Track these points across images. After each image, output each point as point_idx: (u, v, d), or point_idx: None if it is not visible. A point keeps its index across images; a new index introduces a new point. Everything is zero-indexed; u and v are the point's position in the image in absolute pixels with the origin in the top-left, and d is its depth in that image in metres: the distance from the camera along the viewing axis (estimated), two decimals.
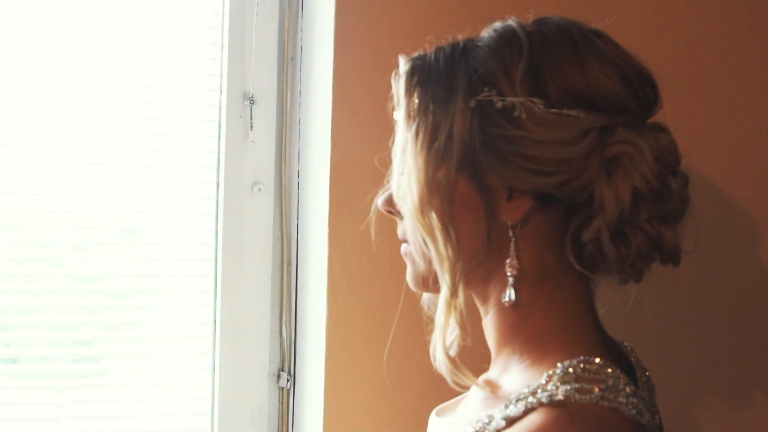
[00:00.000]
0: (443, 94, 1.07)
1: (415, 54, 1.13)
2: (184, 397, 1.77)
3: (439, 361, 1.09)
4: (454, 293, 1.07)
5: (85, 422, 1.72)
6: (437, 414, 1.26)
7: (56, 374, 1.72)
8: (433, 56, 1.11)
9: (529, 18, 1.17)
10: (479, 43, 1.11)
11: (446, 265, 1.06)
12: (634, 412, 1.02)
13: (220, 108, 1.74)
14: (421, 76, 1.10)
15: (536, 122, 1.05)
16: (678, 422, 1.68)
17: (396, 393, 1.58)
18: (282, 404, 1.75)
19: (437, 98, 1.07)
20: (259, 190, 1.74)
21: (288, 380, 1.74)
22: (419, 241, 1.09)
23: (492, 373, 1.14)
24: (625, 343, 1.20)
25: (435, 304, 1.12)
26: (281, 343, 1.76)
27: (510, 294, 1.08)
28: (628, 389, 1.03)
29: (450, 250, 1.06)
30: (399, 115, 1.11)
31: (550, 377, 1.02)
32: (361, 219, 1.57)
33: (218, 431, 1.73)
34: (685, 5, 1.70)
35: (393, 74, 1.13)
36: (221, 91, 1.74)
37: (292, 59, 1.76)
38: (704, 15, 1.71)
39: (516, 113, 1.05)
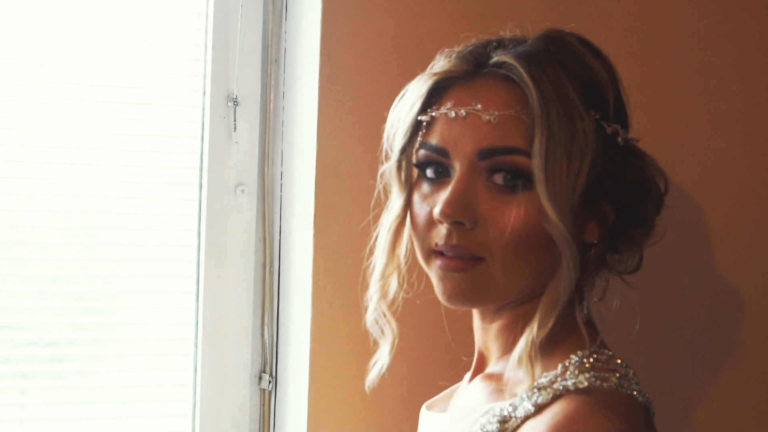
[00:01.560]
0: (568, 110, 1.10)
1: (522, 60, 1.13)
2: (166, 398, 1.76)
3: (524, 354, 1.10)
4: (559, 307, 1.10)
5: (52, 423, 1.71)
6: (427, 408, 1.29)
7: (22, 375, 1.71)
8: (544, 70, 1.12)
9: (515, 23, 1.20)
10: (571, 55, 1.14)
11: (572, 282, 1.10)
12: (645, 400, 1.10)
13: (203, 109, 1.73)
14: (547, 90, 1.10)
15: (631, 151, 1.15)
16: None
17: (379, 395, 1.58)
18: (263, 406, 1.75)
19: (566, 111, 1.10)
20: (242, 191, 1.74)
21: (270, 382, 1.74)
22: (528, 253, 1.10)
23: (495, 368, 1.19)
24: None
25: (381, 323, 1.23)
26: (263, 345, 1.75)
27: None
28: (636, 378, 1.11)
29: (577, 267, 1.10)
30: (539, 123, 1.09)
31: (566, 368, 1.09)
32: (345, 221, 1.57)
33: None
34: (666, 9, 1.72)
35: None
36: (204, 93, 1.73)
37: (276, 61, 1.76)
38: (684, 19, 1.73)
39: (618, 139, 1.14)
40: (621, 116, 1.16)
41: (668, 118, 1.71)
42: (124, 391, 1.74)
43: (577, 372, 1.08)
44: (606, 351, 1.13)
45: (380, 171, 1.26)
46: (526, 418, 1.06)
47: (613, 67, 1.18)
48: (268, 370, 1.75)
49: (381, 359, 1.28)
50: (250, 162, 1.75)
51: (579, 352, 1.11)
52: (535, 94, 1.08)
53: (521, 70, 1.10)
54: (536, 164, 1.07)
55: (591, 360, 1.10)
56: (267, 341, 1.75)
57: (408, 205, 1.19)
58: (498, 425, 1.08)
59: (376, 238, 1.25)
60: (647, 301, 1.32)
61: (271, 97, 1.76)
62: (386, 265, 1.24)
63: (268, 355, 1.75)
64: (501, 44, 1.17)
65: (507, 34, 1.20)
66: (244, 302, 1.75)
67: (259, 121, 1.76)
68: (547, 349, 1.12)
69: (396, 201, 1.21)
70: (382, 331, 1.27)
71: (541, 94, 1.08)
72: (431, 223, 1.14)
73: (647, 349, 1.62)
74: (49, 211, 1.71)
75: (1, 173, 1.66)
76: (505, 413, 1.08)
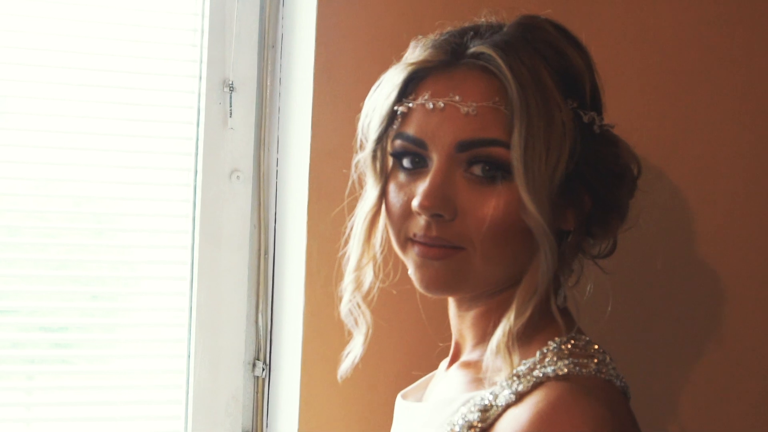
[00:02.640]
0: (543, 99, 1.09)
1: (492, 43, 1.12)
2: (159, 384, 1.76)
3: (502, 343, 1.10)
4: (537, 296, 1.11)
5: (56, 408, 1.71)
6: (403, 397, 1.29)
7: (27, 360, 1.71)
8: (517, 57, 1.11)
9: (491, 9, 1.20)
10: (547, 43, 1.13)
11: (550, 272, 1.09)
12: (622, 384, 1.12)
13: (199, 95, 1.73)
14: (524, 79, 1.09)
15: (607, 138, 1.15)
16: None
17: (372, 382, 1.58)
18: (257, 393, 1.75)
19: (542, 102, 1.09)
20: (238, 177, 1.73)
21: (263, 369, 1.73)
22: (507, 243, 1.10)
23: (471, 356, 1.20)
24: None
25: (356, 314, 1.24)
26: (257, 332, 1.75)
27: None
28: (612, 363, 1.12)
29: (554, 257, 1.09)
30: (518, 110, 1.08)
31: (544, 354, 1.10)
32: (343, 208, 1.56)
33: (193, 419, 1.72)
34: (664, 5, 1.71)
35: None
36: (201, 78, 1.72)
37: (273, 47, 1.75)
38: (677, 13, 1.71)
39: (594, 127, 1.14)
40: (596, 103, 1.16)
41: (661, 107, 1.69)
42: (117, 377, 1.74)
43: (555, 359, 1.09)
44: (583, 337, 1.13)
45: (354, 161, 1.26)
46: (507, 406, 1.07)
47: (588, 53, 1.17)
48: (262, 357, 1.74)
49: (354, 350, 1.29)
50: (245, 148, 1.74)
51: (557, 339, 1.12)
52: (513, 86, 1.08)
53: (499, 61, 1.09)
54: (515, 156, 1.07)
55: (569, 346, 1.11)
56: (261, 328, 1.74)
57: (383, 194, 1.19)
58: (479, 414, 1.08)
59: (351, 228, 1.24)
60: (620, 286, 1.32)
61: (268, 83, 1.74)
62: (361, 255, 1.23)
63: (262, 343, 1.74)
64: (477, 33, 1.16)
65: (483, 20, 1.19)
66: (238, 289, 1.74)
67: (256, 107, 1.75)
68: (525, 336, 1.12)
69: (371, 191, 1.20)
70: (356, 322, 1.27)
71: (519, 85, 1.08)
72: (408, 213, 1.13)
73: (622, 332, 1.61)
74: (56, 196, 1.71)
75: (11, 159, 1.66)
76: (486, 402, 1.09)
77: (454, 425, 1.09)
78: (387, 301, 1.48)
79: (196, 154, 1.73)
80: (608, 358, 1.12)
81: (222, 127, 1.72)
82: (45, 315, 1.71)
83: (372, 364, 1.56)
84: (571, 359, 1.09)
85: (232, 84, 1.72)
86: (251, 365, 1.75)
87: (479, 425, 1.08)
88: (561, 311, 1.14)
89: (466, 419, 1.08)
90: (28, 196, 1.70)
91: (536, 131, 1.07)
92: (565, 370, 1.07)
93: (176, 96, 1.73)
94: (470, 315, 1.20)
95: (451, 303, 1.24)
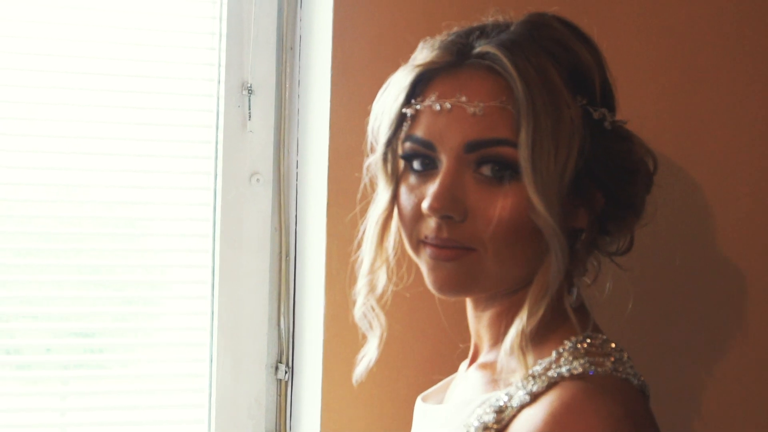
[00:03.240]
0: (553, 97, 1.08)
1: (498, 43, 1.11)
2: (182, 388, 1.76)
3: (515, 344, 1.09)
4: (549, 296, 1.09)
5: (86, 413, 1.72)
6: (423, 400, 1.28)
7: (59, 365, 1.72)
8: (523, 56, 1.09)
9: (498, 8, 1.19)
10: (555, 40, 1.12)
11: (561, 271, 1.08)
12: (639, 383, 1.10)
13: (218, 98, 1.73)
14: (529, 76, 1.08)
15: (618, 134, 1.13)
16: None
17: (393, 384, 1.57)
18: (280, 396, 1.74)
19: (552, 99, 1.07)
20: (257, 180, 1.73)
21: (286, 372, 1.73)
22: (518, 243, 1.09)
23: (489, 357, 1.19)
24: None
25: (370, 317, 1.23)
26: (279, 335, 1.75)
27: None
28: (630, 362, 1.10)
29: (565, 257, 1.08)
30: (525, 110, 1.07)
31: (560, 354, 1.09)
32: (362, 210, 1.55)
33: (215, 423, 1.72)
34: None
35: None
36: (219, 81, 1.72)
37: (291, 49, 1.75)
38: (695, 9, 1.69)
39: (605, 123, 1.12)
40: (607, 99, 1.14)
41: (679, 103, 1.67)
42: (139, 381, 1.74)
43: (571, 358, 1.07)
44: (600, 335, 1.12)
45: (365, 164, 1.25)
46: (522, 407, 1.06)
47: (597, 49, 1.15)
48: (284, 360, 1.74)
49: (369, 353, 1.27)
50: (265, 151, 1.74)
51: (572, 338, 1.10)
52: (519, 85, 1.06)
53: (505, 60, 1.08)
54: (523, 156, 1.06)
55: (585, 345, 1.09)
56: (283, 331, 1.74)
57: (395, 197, 1.18)
58: (494, 415, 1.07)
59: (363, 232, 1.24)
60: (640, 283, 1.30)
61: (287, 86, 1.74)
62: (374, 258, 1.23)
63: (284, 345, 1.74)
64: (484, 32, 1.14)
65: (489, 20, 1.18)
66: (260, 292, 1.74)
67: (275, 110, 1.74)
68: (540, 336, 1.11)
69: (383, 194, 1.19)
70: (371, 325, 1.26)
71: (525, 84, 1.06)
72: (419, 215, 1.12)
73: (643, 330, 1.60)
74: (87, 202, 1.72)
75: (39, 164, 1.67)
76: (501, 403, 1.08)
77: (469, 427, 1.09)
78: (407, 303, 1.48)
79: (216, 158, 1.73)
80: (626, 357, 1.10)
81: (241, 130, 1.72)
82: (70, 320, 1.71)
83: (393, 366, 1.56)
84: (587, 358, 1.07)
85: (250, 87, 1.72)
86: (274, 368, 1.75)
87: (494, 426, 1.07)
88: (577, 310, 1.13)
89: (482, 420, 1.08)
90: (52, 201, 1.71)
91: (544, 130, 1.05)
92: (581, 369, 1.06)
93: (195, 100, 1.73)
94: (486, 315, 1.19)
95: (469, 304, 1.23)
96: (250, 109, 1.72)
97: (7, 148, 1.66)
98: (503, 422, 1.07)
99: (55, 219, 1.71)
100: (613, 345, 1.11)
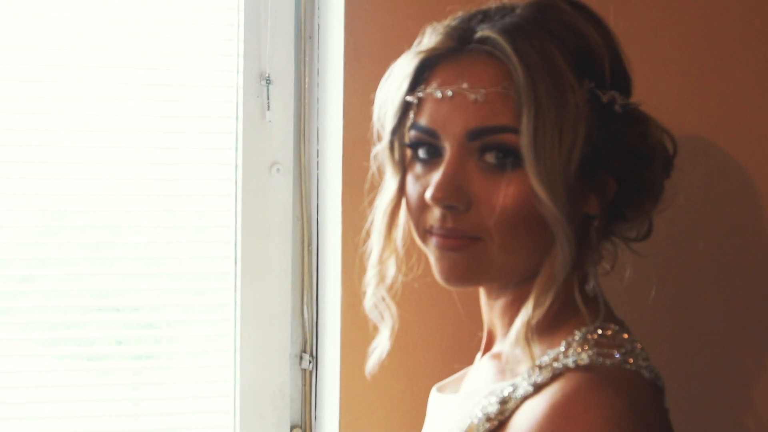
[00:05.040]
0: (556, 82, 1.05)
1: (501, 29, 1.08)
2: (206, 379, 1.76)
3: (520, 335, 1.06)
4: (556, 286, 1.06)
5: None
6: (438, 390, 1.26)
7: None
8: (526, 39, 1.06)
9: None
10: (562, 23, 1.08)
11: (568, 261, 1.05)
12: (652, 375, 1.06)
13: (237, 88, 1.72)
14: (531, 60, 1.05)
15: (631, 117, 1.10)
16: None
17: (412, 374, 1.56)
18: (304, 386, 1.74)
19: (555, 85, 1.04)
20: (278, 170, 1.73)
21: (310, 362, 1.72)
22: (524, 232, 1.06)
23: (500, 347, 1.17)
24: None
25: (381, 308, 1.21)
26: (303, 325, 1.74)
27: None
28: (644, 353, 1.07)
29: (571, 246, 1.05)
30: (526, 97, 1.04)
31: (569, 344, 1.06)
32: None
33: (240, 414, 1.72)
34: None
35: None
36: (238, 72, 1.72)
37: (310, 38, 1.74)
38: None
39: (615, 107, 1.08)
40: (619, 81, 1.10)
41: (702, 86, 1.63)
42: (165, 373, 1.75)
43: (579, 349, 1.04)
44: (612, 326, 1.08)
45: (372, 152, 1.23)
46: (525, 398, 1.03)
47: (608, 30, 1.12)
48: (308, 350, 1.73)
49: (381, 345, 1.25)
50: (285, 140, 1.73)
51: (583, 328, 1.07)
52: (520, 70, 1.03)
53: (505, 45, 1.05)
54: (524, 143, 1.03)
55: (595, 336, 1.06)
56: (307, 321, 1.74)
57: (403, 186, 1.15)
58: (498, 406, 1.05)
59: (371, 222, 1.22)
60: (662, 269, 1.27)
61: (306, 75, 1.73)
62: (383, 248, 1.20)
63: (308, 335, 1.74)
64: (487, 16, 1.11)
65: (493, 4, 1.15)
66: (282, 282, 1.74)
67: (294, 99, 1.74)
68: (551, 326, 1.08)
69: (390, 183, 1.17)
70: (382, 316, 1.24)
71: (527, 68, 1.03)
72: (425, 204, 1.10)
73: (664, 319, 1.56)
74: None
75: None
76: (505, 394, 1.05)
77: (473, 417, 1.07)
78: (426, 293, 1.46)
79: (236, 148, 1.73)
80: (639, 348, 1.07)
81: (260, 120, 1.72)
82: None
83: (412, 356, 1.55)
84: (595, 349, 1.04)
85: (268, 77, 1.71)
86: (298, 358, 1.75)
87: (498, 417, 1.05)
88: (590, 300, 1.10)
89: (485, 411, 1.06)
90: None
91: (546, 116, 1.02)
92: (587, 360, 1.03)
93: (214, 91, 1.73)
94: (499, 304, 1.17)
95: (482, 292, 1.20)
96: (268, 99, 1.72)
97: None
98: (506, 413, 1.04)
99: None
100: (625, 336, 1.07)
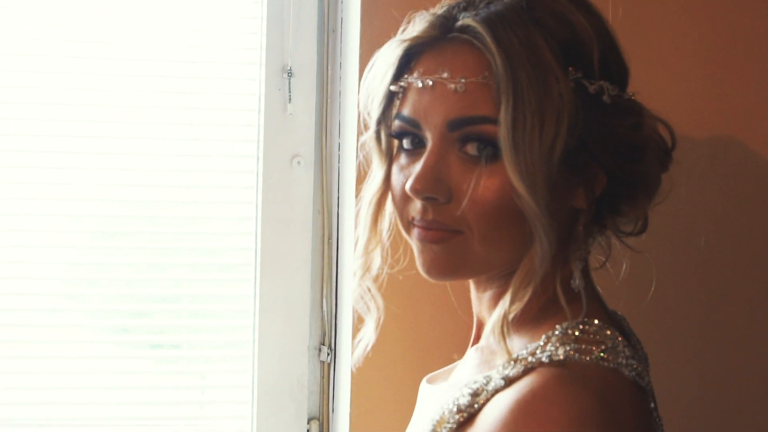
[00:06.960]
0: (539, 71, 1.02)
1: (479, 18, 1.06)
2: (225, 370, 1.78)
3: (496, 328, 1.05)
4: (535, 281, 1.04)
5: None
6: (428, 382, 1.26)
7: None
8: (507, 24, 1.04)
9: None
10: (548, 10, 1.06)
11: (547, 256, 1.03)
12: (633, 373, 1.03)
13: (259, 81, 1.73)
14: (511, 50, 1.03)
15: (622, 109, 1.06)
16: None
17: (423, 365, 1.54)
18: (323, 378, 1.75)
19: (537, 74, 1.02)
20: (299, 163, 1.73)
21: (329, 354, 1.73)
22: (505, 225, 1.04)
23: (486, 341, 1.14)
24: (618, 312, 1.17)
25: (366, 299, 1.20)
26: (322, 317, 1.75)
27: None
28: (627, 351, 1.04)
29: (551, 240, 1.03)
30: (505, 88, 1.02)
31: (548, 338, 1.03)
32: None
33: (258, 405, 1.73)
34: None
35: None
36: (261, 65, 1.73)
37: (333, 31, 1.74)
38: None
39: (604, 97, 1.05)
40: (610, 72, 1.07)
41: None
42: (183, 362, 1.77)
43: (558, 344, 1.02)
44: (596, 321, 1.05)
45: (359, 142, 1.22)
46: (496, 391, 1.01)
47: (600, 17, 1.09)
48: (327, 342, 1.74)
49: (366, 337, 1.24)
50: (306, 133, 1.74)
51: (564, 323, 1.04)
52: (499, 59, 1.01)
53: (484, 34, 1.03)
54: (502, 134, 1.00)
55: (576, 332, 1.03)
56: (326, 313, 1.74)
57: (389, 176, 1.14)
58: (469, 398, 1.03)
59: (358, 212, 1.21)
60: (662, 264, 1.24)
61: (329, 68, 1.74)
62: (369, 239, 1.19)
63: (327, 328, 1.74)
64: (470, 4, 1.09)
65: None
66: (302, 274, 1.74)
67: (316, 92, 1.74)
68: (537, 320, 1.07)
69: (376, 173, 1.16)
70: (368, 308, 1.23)
71: (506, 58, 1.01)
72: (407, 195, 1.08)
73: (664, 315, 1.53)
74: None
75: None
76: (477, 386, 1.03)
77: (445, 408, 1.05)
78: (440, 283, 1.45)
79: (258, 141, 1.74)
80: (621, 345, 1.04)
81: (282, 113, 1.73)
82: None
83: (423, 348, 1.55)
84: (573, 345, 1.01)
85: (290, 70, 1.72)
86: (317, 350, 1.75)
87: (468, 409, 1.03)
88: (576, 295, 1.07)
89: (457, 403, 1.04)
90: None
91: (527, 106, 1.00)
92: (561, 356, 1.00)
93: (237, 83, 1.74)
94: (486, 296, 1.15)
95: (471, 285, 1.19)
96: (290, 92, 1.72)
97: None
98: (477, 406, 1.02)
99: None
100: (608, 332, 1.04)
